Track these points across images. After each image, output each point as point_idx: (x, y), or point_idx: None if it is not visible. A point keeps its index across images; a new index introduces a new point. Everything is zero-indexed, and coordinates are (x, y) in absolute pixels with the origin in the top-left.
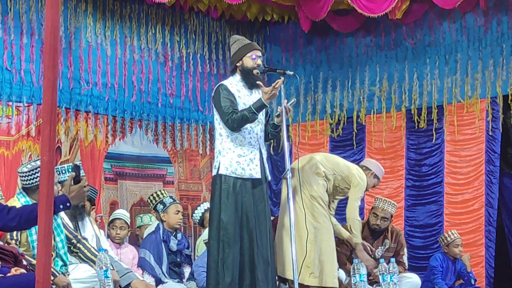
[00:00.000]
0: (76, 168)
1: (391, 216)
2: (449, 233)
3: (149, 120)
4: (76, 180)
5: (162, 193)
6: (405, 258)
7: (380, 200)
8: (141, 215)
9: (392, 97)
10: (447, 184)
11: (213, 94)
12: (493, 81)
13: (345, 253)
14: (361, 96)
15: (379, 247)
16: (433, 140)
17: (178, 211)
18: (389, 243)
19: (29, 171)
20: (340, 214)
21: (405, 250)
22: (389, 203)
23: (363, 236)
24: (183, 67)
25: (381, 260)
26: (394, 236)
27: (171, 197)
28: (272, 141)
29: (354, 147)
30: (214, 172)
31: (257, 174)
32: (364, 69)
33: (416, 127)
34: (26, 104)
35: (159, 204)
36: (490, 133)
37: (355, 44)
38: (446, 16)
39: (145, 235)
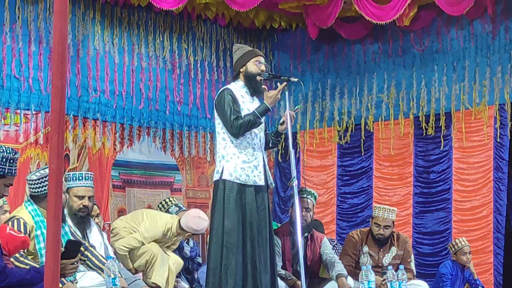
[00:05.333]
0: (72, 244)
1: (393, 222)
2: (458, 240)
3: (157, 128)
4: (70, 255)
5: (167, 202)
6: (412, 265)
7: (380, 208)
8: None
9: (400, 104)
10: (455, 191)
11: (216, 97)
12: (501, 88)
13: (351, 264)
14: (369, 103)
15: (386, 255)
16: (441, 147)
17: None
18: (396, 250)
19: (38, 179)
20: (349, 220)
21: (412, 257)
22: (388, 210)
23: (368, 245)
24: (190, 75)
25: (389, 268)
26: (401, 243)
27: (176, 205)
28: (273, 149)
29: (362, 154)
30: (216, 177)
31: (261, 181)
32: (372, 76)
33: (424, 134)
34: (34, 112)
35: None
36: (498, 140)
37: (363, 51)
38: (454, 23)
39: None
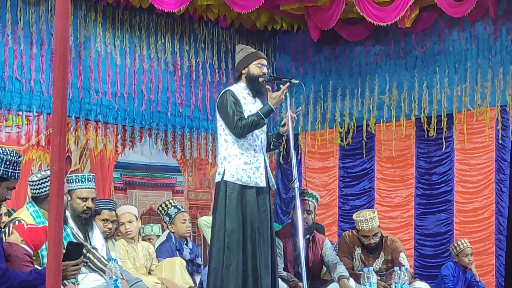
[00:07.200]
0: (74, 246)
1: (379, 226)
2: (460, 242)
3: (158, 129)
4: (71, 257)
5: (167, 205)
6: (405, 262)
7: (361, 221)
8: (151, 225)
9: (401, 105)
10: (457, 193)
11: (218, 99)
12: (502, 89)
13: (349, 265)
14: (371, 104)
15: (376, 260)
16: (443, 149)
17: (185, 220)
18: (385, 255)
19: (39, 180)
20: (350, 222)
21: (402, 254)
22: (370, 219)
23: (360, 254)
24: (192, 76)
25: (395, 268)
26: (388, 248)
27: (175, 206)
28: (274, 151)
29: (364, 155)
30: (218, 178)
31: (262, 183)
32: (374, 78)
33: (426, 136)
34: (36, 114)
35: (165, 216)
36: (500, 142)
37: (365, 52)
38: (455, 24)
39: (156, 245)
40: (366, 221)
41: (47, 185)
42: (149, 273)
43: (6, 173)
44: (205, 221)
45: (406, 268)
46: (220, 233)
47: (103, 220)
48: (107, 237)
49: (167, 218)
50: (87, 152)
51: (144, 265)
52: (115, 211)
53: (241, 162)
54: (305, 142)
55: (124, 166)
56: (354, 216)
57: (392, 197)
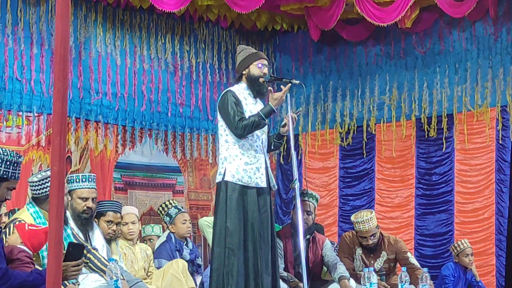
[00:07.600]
0: (75, 247)
1: (377, 226)
2: (460, 242)
3: (158, 130)
4: (72, 258)
5: (167, 205)
6: (413, 260)
7: (359, 223)
8: (151, 225)
9: (402, 106)
10: (457, 193)
11: (219, 99)
12: (503, 89)
13: (350, 266)
14: (371, 105)
15: (378, 259)
16: (443, 149)
17: (185, 220)
18: (386, 254)
19: (39, 181)
20: (351, 222)
21: (409, 254)
22: (367, 220)
23: (361, 254)
24: (192, 77)
25: (425, 270)
26: (391, 247)
27: (176, 207)
28: (275, 151)
29: (364, 156)
30: (219, 179)
31: (263, 183)
32: (374, 78)
33: (426, 136)
34: (36, 114)
35: (165, 216)
36: (500, 142)
37: (365, 53)
38: (455, 24)
39: (156, 245)
40: (363, 222)
41: (47, 186)
42: (147, 274)
43: (6, 173)
44: (207, 222)
45: (416, 266)
46: (221, 234)
47: (107, 221)
48: (111, 239)
49: (168, 218)
50: (87, 153)
51: (143, 266)
52: (120, 213)
53: (241, 163)
54: (306, 142)
55: (124, 167)
56: (352, 218)
57: (393, 197)
